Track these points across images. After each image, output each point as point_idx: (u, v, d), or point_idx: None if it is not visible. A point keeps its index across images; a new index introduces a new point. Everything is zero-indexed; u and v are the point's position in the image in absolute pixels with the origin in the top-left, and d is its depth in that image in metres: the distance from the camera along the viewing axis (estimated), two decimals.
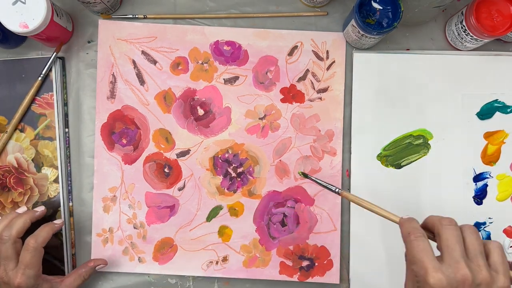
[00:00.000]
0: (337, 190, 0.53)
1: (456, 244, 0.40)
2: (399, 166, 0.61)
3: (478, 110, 0.62)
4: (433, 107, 0.62)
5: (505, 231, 0.61)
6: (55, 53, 0.60)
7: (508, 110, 0.62)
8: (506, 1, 0.57)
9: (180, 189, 0.61)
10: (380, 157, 0.61)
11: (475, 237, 0.41)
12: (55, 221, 0.56)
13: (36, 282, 0.52)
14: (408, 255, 0.42)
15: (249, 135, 0.62)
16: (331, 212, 0.61)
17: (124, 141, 0.62)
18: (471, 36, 0.58)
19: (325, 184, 0.54)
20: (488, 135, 0.61)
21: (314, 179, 0.56)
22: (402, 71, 0.62)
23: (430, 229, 0.44)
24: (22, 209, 0.56)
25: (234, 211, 0.61)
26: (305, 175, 0.59)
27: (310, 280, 0.60)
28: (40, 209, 0.56)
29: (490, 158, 0.61)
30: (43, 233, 0.53)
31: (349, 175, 0.62)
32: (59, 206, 0.60)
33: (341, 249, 0.61)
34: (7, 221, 0.53)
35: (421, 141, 0.61)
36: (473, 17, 0.56)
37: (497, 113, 0.62)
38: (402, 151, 0.61)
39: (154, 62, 0.62)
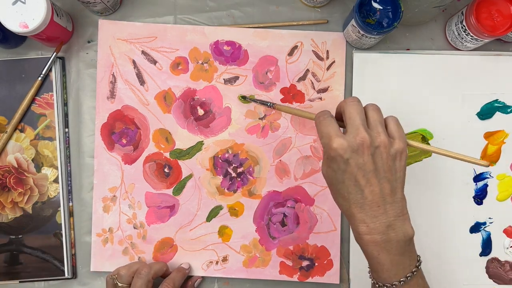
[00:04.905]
0: (270, 104, 0.59)
1: (357, 115, 0.45)
2: None
3: (478, 110, 0.62)
4: (433, 107, 0.62)
5: (505, 231, 0.61)
6: (55, 53, 0.60)
7: (508, 110, 0.62)
8: (506, 1, 0.57)
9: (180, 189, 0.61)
10: None
11: (376, 112, 0.46)
12: (184, 267, 0.60)
13: None
14: (318, 134, 0.47)
15: (249, 135, 0.62)
16: (331, 212, 0.61)
17: (124, 141, 0.62)
18: (471, 36, 0.58)
19: (260, 101, 0.61)
20: (488, 135, 0.61)
21: (254, 99, 0.61)
22: (402, 71, 0.62)
23: (340, 115, 0.48)
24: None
25: (234, 211, 0.61)
26: (245, 98, 0.62)
27: (310, 280, 0.60)
28: (186, 266, 0.60)
29: (490, 158, 0.61)
30: (179, 277, 0.57)
31: None
32: (59, 206, 0.60)
33: (341, 249, 0.61)
34: (146, 263, 0.58)
35: (421, 141, 0.61)
36: (473, 17, 0.56)
37: (497, 113, 0.62)
38: None
39: (154, 62, 0.62)
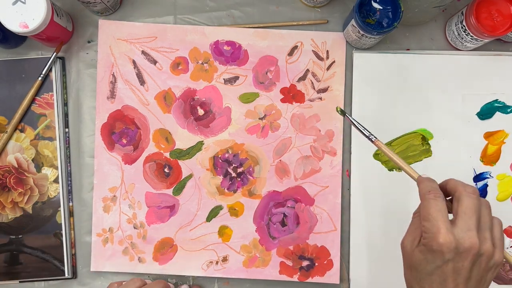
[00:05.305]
0: (372, 137, 0.50)
1: (474, 214, 0.42)
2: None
3: (478, 110, 0.62)
4: (433, 107, 0.62)
5: (505, 231, 0.61)
6: (55, 53, 0.60)
7: (508, 110, 0.62)
8: (506, 1, 0.57)
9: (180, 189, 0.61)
10: (379, 157, 0.61)
11: (488, 212, 0.43)
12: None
13: None
14: (422, 211, 0.44)
15: (249, 135, 0.62)
16: (331, 212, 0.61)
17: (124, 141, 0.62)
18: (471, 36, 0.58)
19: (361, 127, 0.51)
20: (488, 135, 0.61)
21: (352, 119, 0.52)
22: (402, 71, 0.62)
23: (448, 191, 0.45)
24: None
25: (234, 211, 0.61)
26: (343, 112, 0.55)
27: (310, 280, 0.60)
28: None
29: (490, 158, 0.61)
30: None
31: (349, 175, 0.62)
32: (59, 206, 0.60)
33: (341, 249, 0.61)
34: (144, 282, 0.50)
35: (421, 141, 0.61)
36: (473, 17, 0.56)
37: (497, 113, 0.62)
38: (402, 151, 0.61)
39: (154, 62, 0.62)
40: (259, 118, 0.62)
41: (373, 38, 0.57)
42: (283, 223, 0.61)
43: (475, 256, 0.41)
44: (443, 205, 0.43)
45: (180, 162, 0.62)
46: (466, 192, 0.43)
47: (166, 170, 0.62)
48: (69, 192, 0.62)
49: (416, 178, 0.47)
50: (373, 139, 0.50)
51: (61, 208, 0.60)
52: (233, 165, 0.62)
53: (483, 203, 0.44)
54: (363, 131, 0.51)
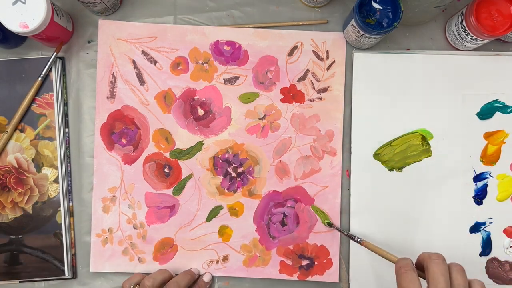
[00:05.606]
0: (358, 239, 0.56)
1: (442, 277, 0.43)
2: (399, 166, 0.61)
3: (478, 110, 0.62)
4: (433, 107, 0.62)
5: (505, 231, 0.61)
6: (55, 53, 0.60)
7: (508, 110, 0.62)
8: (506, 1, 0.57)
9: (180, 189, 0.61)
10: (379, 157, 0.61)
11: (461, 274, 0.45)
12: (194, 271, 0.60)
13: None
14: (397, 284, 0.46)
15: (249, 135, 0.62)
16: (331, 212, 0.61)
17: (124, 141, 0.62)
18: (471, 36, 0.58)
19: (348, 234, 0.58)
20: (488, 135, 0.61)
21: (339, 228, 0.60)
22: (402, 71, 0.62)
23: (421, 264, 0.47)
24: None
25: (234, 211, 0.61)
26: (330, 225, 0.60)
27: (309, 279, 0.61)
28: (196, 271, 0.60)
29: (490, 158, 0.61)
30: (185, 280, 0.57)
31: (349, 175, 0.62)
32: (59, 206, 0.60)
33: (341, 248, 0.61)
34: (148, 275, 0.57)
35: (421, 141, 0.61)
36: (473, 17, 0.56)
37: (497, 113, 0.62)
38: (402, 151, 0.61)
39: (154, 62, 0.62)
40: (259, 118, 0.62)
41: (373, 38, 0.57)
42: (283, 223, 0.61)
43: None
44: (413, 276, 0.44)
45: (180, 162, 0.62)
46: (430, 259, 0.45)
47: (166, 170, 0.62)
48: (69, 192, 0.62)
49: (395, 261, 0.49)
50: (361, 242, 0.55)
51: (61, 208, 0.60)
52: (233, 165, 0.62)
53: (453, 267, 0.45)
54: (351, 237, 0.57)
